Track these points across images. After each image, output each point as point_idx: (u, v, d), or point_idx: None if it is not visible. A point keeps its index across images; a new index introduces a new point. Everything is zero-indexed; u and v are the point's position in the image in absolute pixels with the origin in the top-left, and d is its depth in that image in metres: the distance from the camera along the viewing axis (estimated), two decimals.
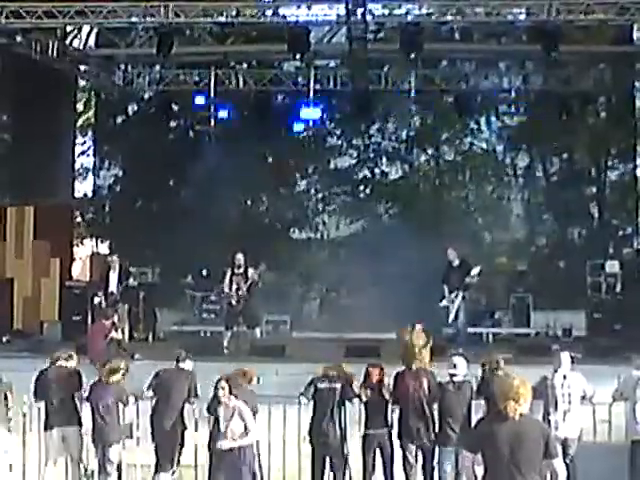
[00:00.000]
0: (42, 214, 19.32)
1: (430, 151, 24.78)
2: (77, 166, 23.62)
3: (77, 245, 22.99)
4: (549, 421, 10.41)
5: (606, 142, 23.50)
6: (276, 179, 24.28)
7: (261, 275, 17.71)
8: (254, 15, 17.47)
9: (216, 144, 22.89)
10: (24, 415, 11.02)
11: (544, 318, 19.09)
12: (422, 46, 16.93)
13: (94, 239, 24.20)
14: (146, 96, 23.94)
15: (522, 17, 17.52)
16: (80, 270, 22.19)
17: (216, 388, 9.93)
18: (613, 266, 18.88)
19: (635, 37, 20.50)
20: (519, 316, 19.33)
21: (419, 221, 22.35)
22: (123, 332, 16.38)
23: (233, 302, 16.88)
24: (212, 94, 21.45)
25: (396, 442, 10.36)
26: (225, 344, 16.78)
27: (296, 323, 19.99)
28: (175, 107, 23.31)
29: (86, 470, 10.64)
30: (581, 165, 24.00)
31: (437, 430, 10.25)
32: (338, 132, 24.68)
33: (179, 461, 10.93)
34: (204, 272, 20.77)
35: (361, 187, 24.87)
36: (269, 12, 18.26)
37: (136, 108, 24.76)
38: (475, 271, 16.74)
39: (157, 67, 21.95)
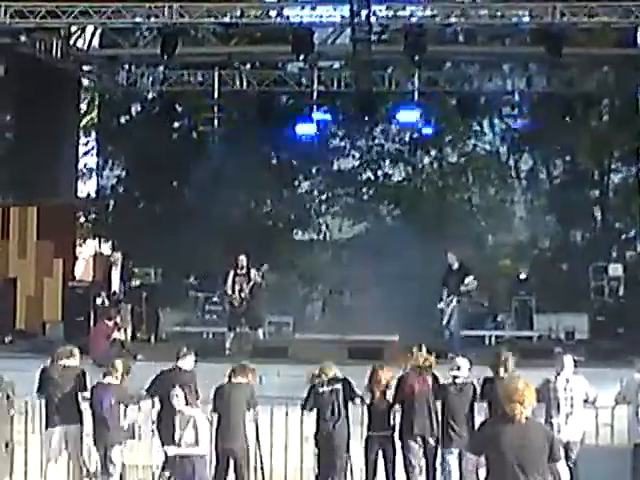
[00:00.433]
0: (45, 214, 19.33)
1: (433, 153, 24.79)
2: (80, 166, 23.61)
3: (80, 245, 22.98)
4: (551, 424, 10.38)
5: (609, 145, 23.52)
6: (279, 180, 24.31)
7: (264, 276, 17.72)
8: (258, 16, 17.48)
9: (219, 145, 22.90)
10: (26, 415, 11.01)
11: (547, 321, 19.08)
12: (426, 48, 16.94)
13: (97, 239, 24.20)
14: (150, 96, 23.96)
15: (526, 19, 17.51)
16: (83, 270, 22.17)
17: (170, 396, 9.83)
18: (616, 269, 18.88)
19: (639, 40, 20.47)
20: (522, 319, 19.32)
21: (422, 223, 22.36)
22: (126, 332, 16.40)
23: (236, 303, 16.89)
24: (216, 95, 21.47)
25: (398, 444, 10.34)
26: (227, 345, 16.79)
27: (299, 324, 19.98)
28: (179, 108, 23.33)
29: (88, 471, 10.62)
30: (584, 168, 24.02)
31: (441, 432, 10.24)
32: (341, 134, 24.72)
33: None
34: (207, 273, 20.79)
35: (364, 189, 24.90)
36: (273, 13, 18.27)
37: (140, 108, 24.80)
38: (468, 280, 16.70)
39: (161, 67, 21.94)
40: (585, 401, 10.56)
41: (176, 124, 24.62)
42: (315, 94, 21.40)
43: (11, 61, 19.14)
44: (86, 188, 24.49)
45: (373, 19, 17.47)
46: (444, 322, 16.59)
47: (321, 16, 17.81)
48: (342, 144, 24.78)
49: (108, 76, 22.12)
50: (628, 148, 23.17)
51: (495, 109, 23.45)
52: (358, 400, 10.54)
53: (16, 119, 20.32)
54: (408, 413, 10.30)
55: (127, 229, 22.98)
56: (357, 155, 24.87)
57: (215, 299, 20.42)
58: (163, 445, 10.67)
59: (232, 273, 16.92)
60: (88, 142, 24.85)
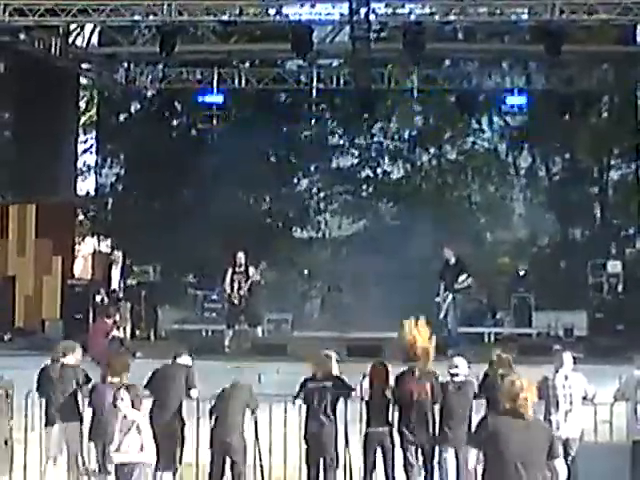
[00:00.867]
0: (44, 212, 19.33)
1: (432, 150, 24.79)
2: (79, 164, 23.60)
3: (79, 243, 22.97)
4: (550, 421, 10.39)
5: (609, 142, 23.53)
6: (278, 178, 24.32)
7: (262, 274, 17.73)
8: (257, 14, 17.47)
9: (218, 142, 22.90)
10: (25, 412, 11.02)
11: (546, 318, 19.08)
12: (425, 45, 16.94)
13: (96, 237, 24.18)
14: (149, 94, 23.97)
15: (525, 17, 17.52)
16: (82, 268, 22.17)
17: (115, 398, 9.56)
18: (615, 266, 18.87)
19: (638, 37, 20.47)
20: (521, 316, 19.33)
21: (421, 220, 22.34)
22: (125, 330, 16.41)
23: (234, 301, 16.90)
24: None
25: (397, 441, 10.34)
26: (226, 343, 16.80)
27: (297, 322, 19.99)
28: (178, 105, 23.33)
29: (87, 469, 10.63)
30: (584, 165, 24.02)
31: (438, 430, 10.24)
32: (340, 131, 24.72)
33: (181, 460, 10.91)
34: (206, 271, 20.80)
35: (363, 186, 24.91)
36: (272, 11, 18.27)
37: (139, 106, 24.80)
38: (462, 278, 16.71)
39: (160, 65, 21.94)
40: (584, 398, 10.58)
41: (175, 122, 24.63)
42: (314, 92, 21.41)
43: (10, 59, 19.14)
44: (85, 186, 24.49)
45: (372, 17, 17.48)
46: (441, 316, 16.60)
47: (320, 14, 17.82)
48: (341, 142, 24.78)
49: (107, 74, 22.14)
50: (627, 145, 23.17)
51: (494, 106, 23.44)
52: (352, 393, 10.52)
53: (15, 117, 20.31)
54: (406, 420, 10.23)
55: (126, 227, 22.96)
56: (356, 153, 24.88)
57: (214, 297, 20.43)
58: (157, 441, 10.70)
59: (230, 271, 16.94)
60: (87, 140, 24.84)
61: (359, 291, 20.95)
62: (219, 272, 17.74)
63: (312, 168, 24.86)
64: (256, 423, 10.63)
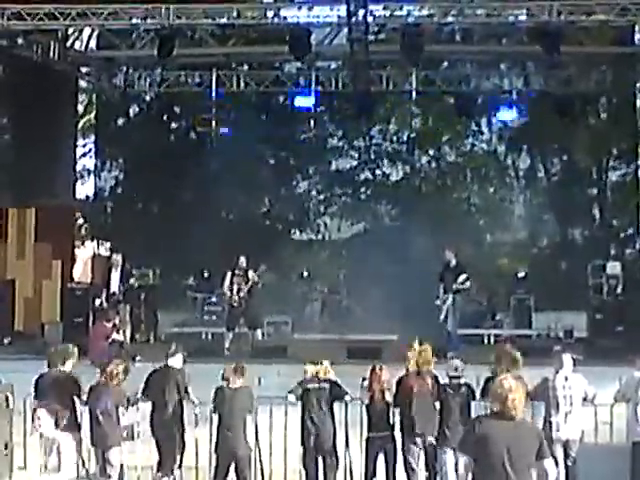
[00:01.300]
0: (43, 216, 19.33)
1: (431, 152, 24.79)
2: (78, 168, 23.59)
3: (78, 247, 22.97)
4: (550, 422, 10.40)
5: (607, 143, 23.54)
6: (277, 180, 24.32)
7: (261, 276, 17.72)
8: (255, 17, 17.49)
9: (217, 146, 22.91)
10: (25, 416, 11.01)
11: (545, 319, 19.08)
12: (423, 47, 16.95)
13: (95, 241, 24.18)
14: (147, 98, 23.98)
15: (523, 18, 17.53)
16: (81, 272, 22.15)
17: (34, 419, 9.43)
18: (615, 267, 18.84)
19: (636, 38, 20.50)
20: (520, 317, 19.33)
21: (420, 222, 22.34)
22: (125, 334, 16.40)
23: (234, 304, 16.90)
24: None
25: (398, 444, 10.35)
26: (226, 345, 16.79)
27: (297, 324, 19.96)
28: (176, 109, 23.32)
29: (87, 472, 10.62)
30: (582, 166, 24.02)
31: (437, 431, 10.24)
32: (339, 133, 24.72)
33: (181, 463, 10.91)
34: (205, 273, 20.80)
35: (362, 188, 24.90)
36: (270, 14, 18.25)
37: (137, 110, 24.81)
38: (462, 279, 16.71)
39: (158, 69, 21.94)
40: (584, 399, 10.57)
41: (174, 125, 24.63)
42: (313, 94, 21.39)
43: (9, 63, 19.14)
44: (84, 190, 24.48)
45: (370, 19, 17.49)
46: (441, 319, 16.61)
47: (318, 16, 17.88)
48: (340, 144, 24.78)
49: (106, 78, 22.14)
50: (626, 146, 23.17)
51: (493, 108, 23.44)
52: (347, 397, 10.56)
53: (14, 121, 20.32)
54: (408, 413, 10.29)
55: (125, 230, 22.96)
56: (355, 155, 24.88)
57: (214, 299, 20.44)
58: (158, 445, 10.70)
59: (230, 274, 16.94)
60: (86, 144, 24.84)
61: (359, 293, 20.94)
62: (219, 275, 17.74)
63: (311, 170, 24.86)
64: (256, 425, 10.64)
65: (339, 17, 17.72)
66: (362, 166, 24.82)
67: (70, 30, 19.56)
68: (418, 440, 10.25)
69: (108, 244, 23.66)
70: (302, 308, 21.46)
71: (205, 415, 10.73)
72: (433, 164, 24.96)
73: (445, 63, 22.67)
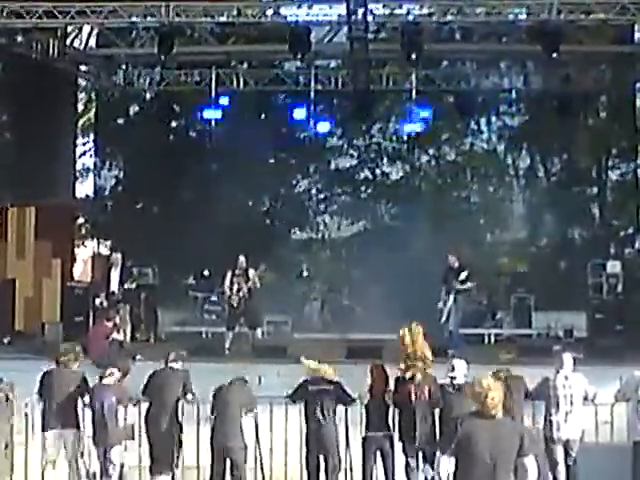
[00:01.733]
0: (43, 215, 19.31)
1: (431, 151, 24.77)
2: (78, 166, 23.57)
3: (78, 246, 22.96)
4: (551, 422, 10.41)
5: (607, 142, 23.51)
6: (277, 179, 24.29)
7: (261, 276, 17.71)
8: (255, 15, 17.48)
9: (217, 144, 22.89)
10: (26, 416, 11.00)
11: (545, 319, 19.07)
12: (423, 46, 16.94)
13: (95, 240, 24.17)
14: (147, 96, 23.93)
15: (523, 17, 17.53)
16: (81, 271, 22.16)
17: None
18: (614, 267, 18.84)
19: (636, 37, 20.49)
20: (520, 317, 19.33)
21: (420, 221, 22.33)
22: (125, 333, 16.40)
23: (234, 303, 16.89)
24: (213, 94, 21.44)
25: (397, 445, 10.33)
26: (227, 345, 16.79)
27: (297, 324, 19.96)
28: (176, 107, 23.30)
29: (88, 471, 10.62)
30: (582, 165, 24.00)
31: (438, 432, 10.22)
32: (339, 132, 24.67)
33: (178, 464, 10.90)
34: (205, 273, 20.80)
35: (362, 187, 24.88)
36: (270, 12, 18.24)
37: (137, 108, 24.77)
38: (463, 276, 16.69)
39: (158, 67, 21.91)
40: (584, 399, 10.58)
41: (174, 124, 24.60)
42: (312, 93, 21.39)
43: (8, 61, 19.12)
44: (84, 188, 24.45)
45: (370, 17, 17.48)
46: (442, 320, 16.60)
47: (318, 15, 17.82)
48: (340, 143, 24.76)
49: (105, 76, 22.13)
50: (626, 145, 23.17)
51: (492, 107, 23.42)
52: (352, 403, 10.54)
53: (13, 120, 20.31)
54: (406, 424, 10.23)
55: (125, 229, 22.95)
56: (355, 154, 24.85)
57: (214, 299, 20.43)
58: (151, 444, 10.69)
59: (230, 273, 16.93)
60: (86, 142, 24.80)
61: (359, 292, 20.94)
62: (219, 274, 17.74)
63: (311, 169, 24.84)
64: (257, 425, 10.64)
65: (339, 15, 17.70)
66: (362, 165, 24.79)
67: (70, 28, 19.54)
68: (416, 442, 10.22)
69: (108, 243, 23.66)
70: (302, 307, 21.47)
71: (206, 414, 10.72)
72: (433, 163, 24.94)
73: (445, 62, 22.64)
